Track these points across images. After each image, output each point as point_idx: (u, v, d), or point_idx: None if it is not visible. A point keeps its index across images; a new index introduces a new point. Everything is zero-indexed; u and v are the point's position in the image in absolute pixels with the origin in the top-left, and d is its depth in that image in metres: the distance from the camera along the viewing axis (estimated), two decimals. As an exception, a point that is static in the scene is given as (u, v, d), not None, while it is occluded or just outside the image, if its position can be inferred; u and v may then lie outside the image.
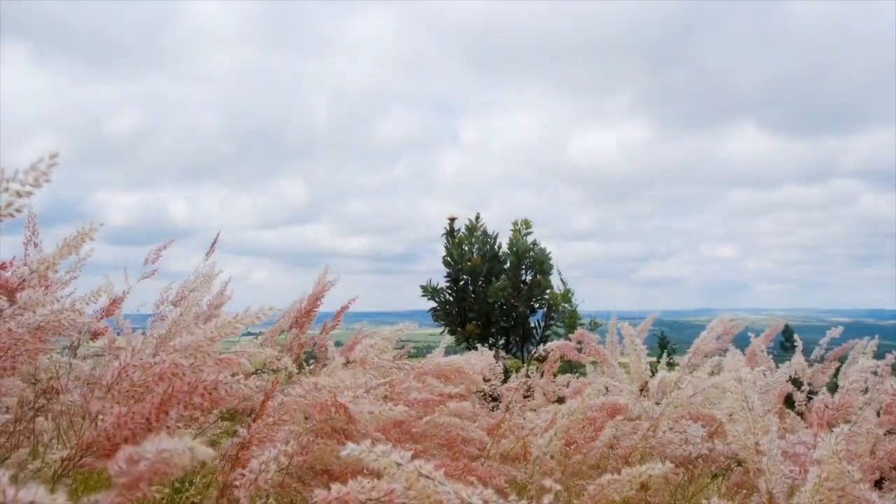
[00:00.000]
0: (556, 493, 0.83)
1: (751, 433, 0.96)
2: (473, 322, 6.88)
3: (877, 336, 2.50)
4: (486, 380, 1.89)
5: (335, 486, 0.70)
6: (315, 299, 2.02)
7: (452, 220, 7.14)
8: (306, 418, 1.25)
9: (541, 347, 2.04)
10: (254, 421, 1.19)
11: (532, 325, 7.06)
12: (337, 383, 1.22)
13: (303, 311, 2.02)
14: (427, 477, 0.74)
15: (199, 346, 1.10)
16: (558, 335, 6.94)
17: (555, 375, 2.66)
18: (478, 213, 7.20)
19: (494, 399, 2.57)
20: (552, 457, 1.48)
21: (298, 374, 1.69)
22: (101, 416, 0.98)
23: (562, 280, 7.04)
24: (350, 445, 0.76)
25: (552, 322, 7.01)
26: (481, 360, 1.88)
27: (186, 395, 0.99)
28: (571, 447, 1.61)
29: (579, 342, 2.25)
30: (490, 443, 1.62)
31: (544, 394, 2.56)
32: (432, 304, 7.05)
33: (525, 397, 2.32)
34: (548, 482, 0.89)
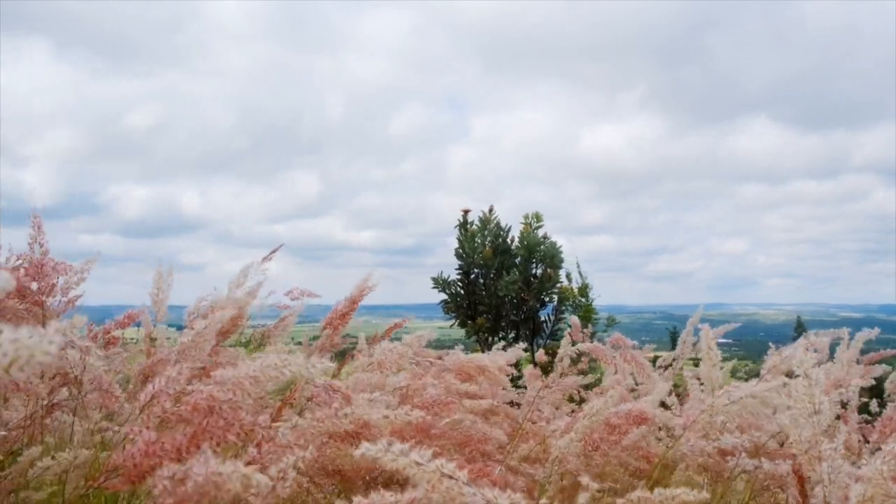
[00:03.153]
0: (594, 493, 0.78)
1: (815, 439, 0.87)
2: (484, 315, 6.84)
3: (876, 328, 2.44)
4: (512, 380, 1.83)
5: (356, 499, 0.66)
6: (353, 302, 1.97)
7: (466, 212, 7.07)
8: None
9: (569, 348, 1.95)
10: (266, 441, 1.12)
11: (542, 318, 7.01)
12: (361, 414, 1.15)
13: (339, 313, 1.98)
14: (451, 477, 0.69)
15: (240, 383, 1.05)
16: (570, 327, 6.85)
17: (585, 374, 2.58)
18: (491, 206, 7.14)
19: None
20: (578, 456, 1.43)
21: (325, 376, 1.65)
22: (130, 439, 0.95)
23: (580, 273, 6.98)
24: (365, 445, 0.72)
25: (563, 316, 6.95)
26: (505, 356, 1.82)
27: (221, 432, 0.96)
28: (597, 451, 1.55)
29: (615, 346, 2.14)
30: (510, 443, 1.57)
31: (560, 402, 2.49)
32: (442, 296, 7.01)
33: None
34: (585, 479, 0.84)
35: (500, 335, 6.87)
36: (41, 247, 1.43)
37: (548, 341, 6.94)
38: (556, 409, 2.46)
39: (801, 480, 0.94)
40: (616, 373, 2.25)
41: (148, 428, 0.96)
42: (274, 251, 2.04)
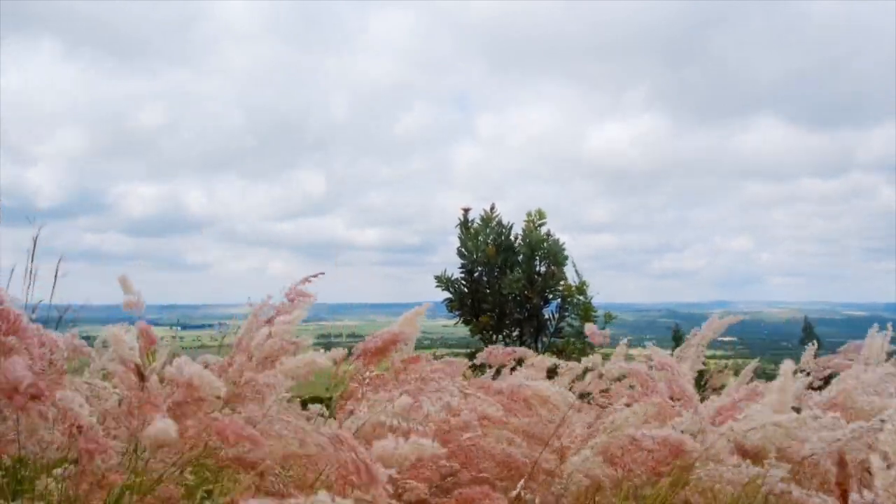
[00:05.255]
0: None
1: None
2: (487, 313, 6.83)
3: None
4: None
5: None
6: (393, 341, 1.71)
7: (467, 210, 7.06)
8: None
9: (590, 361, 1.78)
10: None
11: (546, 316, 7.00)
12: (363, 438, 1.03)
13: (375, 348, 1.72)
14: None
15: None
16: (572, 327, 6.89)
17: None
18: (493, 204, 7.13)
19: None
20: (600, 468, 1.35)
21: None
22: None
23: (576, 272, 6.98)
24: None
25: (566, 314, 6.94)
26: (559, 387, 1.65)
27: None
28: (626, 471, 1.42)
29: (660, 368, 1.93)
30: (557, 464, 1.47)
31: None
32: (446, 294, 7.00)
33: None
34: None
35: (504, 333, 6.85)
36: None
37: (552, 339, 6.93)
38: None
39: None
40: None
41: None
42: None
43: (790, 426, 1.31)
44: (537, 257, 6.88)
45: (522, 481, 1.40)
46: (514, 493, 1.36)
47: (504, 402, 1.62)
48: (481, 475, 1.47)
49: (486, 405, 1.54)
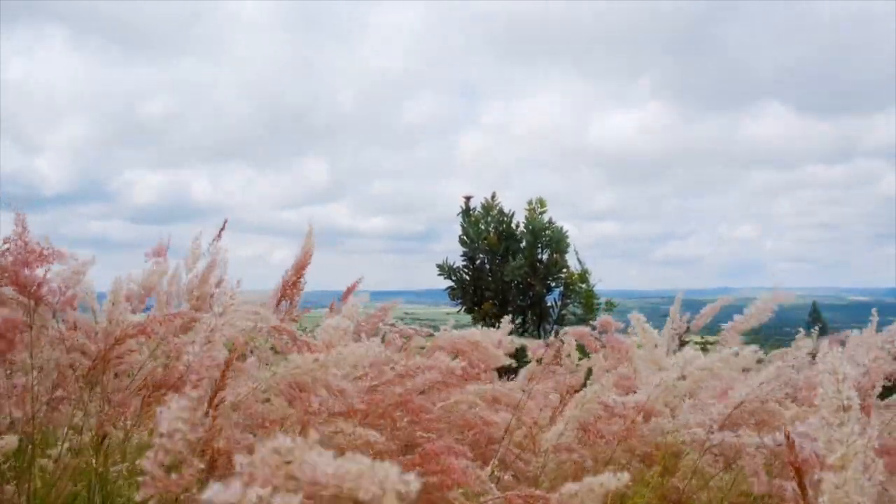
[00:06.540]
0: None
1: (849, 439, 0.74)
2: (490, 301, 6.83)
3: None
4: (511, 356, 1.73)
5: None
6: (300, 268, 1.84)
7: (468, 198, 7.05)
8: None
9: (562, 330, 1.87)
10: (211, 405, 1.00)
11: (549, 304, 7.00)
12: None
13: (288, 281, 1.85)
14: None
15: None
16: (575, 315, 6.90)
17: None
18: (494, 192, 7.12)
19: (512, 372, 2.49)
20: (580, 445, 1.37)
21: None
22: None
23: (578, 260, 6.97)
24: None
25: (569, 302, 6.94)
26: (497, 333, 1.73)
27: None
28: (598, 439, 1.46)
29: (602, 330, 2.04)
30: (505, 433, 1.51)
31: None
32: (449, 282, 7.01)
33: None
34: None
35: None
36: (25, 244, 1.37)
37: (554, 327, 6.92)
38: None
39: (800, 473, 0.89)
40: (606, 359, 2.16)
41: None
42: (222, 229, 1.95)
43: (714, 367, 1.42)
44: (540, 245, 6.87)
45: (496, 458, 1.41)
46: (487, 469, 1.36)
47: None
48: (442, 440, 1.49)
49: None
